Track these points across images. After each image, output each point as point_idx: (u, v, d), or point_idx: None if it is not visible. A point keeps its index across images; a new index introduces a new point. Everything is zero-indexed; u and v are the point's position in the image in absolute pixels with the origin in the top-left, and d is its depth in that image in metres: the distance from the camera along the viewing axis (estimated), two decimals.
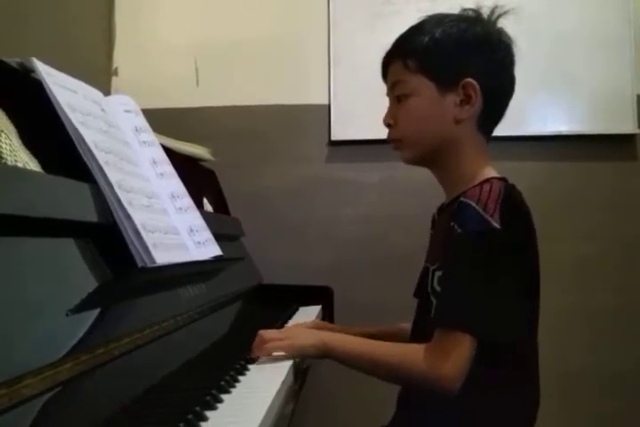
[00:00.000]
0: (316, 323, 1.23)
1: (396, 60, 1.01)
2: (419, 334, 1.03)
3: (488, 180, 0.94)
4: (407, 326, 1.12)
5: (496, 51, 0.99)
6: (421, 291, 1.03)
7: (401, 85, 1.01)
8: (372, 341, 0.96)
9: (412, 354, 0.89)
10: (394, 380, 0.97)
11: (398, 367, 0.90)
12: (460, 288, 0.89)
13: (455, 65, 0.97)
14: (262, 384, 0.78)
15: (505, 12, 1.02)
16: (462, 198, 0.91)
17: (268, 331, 0.97)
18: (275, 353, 0.93)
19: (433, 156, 1.02)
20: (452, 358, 0.85)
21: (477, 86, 0.96)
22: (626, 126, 2.01)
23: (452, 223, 0.91)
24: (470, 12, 1.03)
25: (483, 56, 0.98)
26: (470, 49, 0.98)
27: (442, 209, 1.08)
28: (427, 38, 0.98)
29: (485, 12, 1.02)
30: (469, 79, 0.96)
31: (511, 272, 0.89)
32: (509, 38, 1.01)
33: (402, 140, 1.03)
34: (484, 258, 0.88)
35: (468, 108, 0.97)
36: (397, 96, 1.02)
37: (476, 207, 0.88)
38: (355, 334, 1.02)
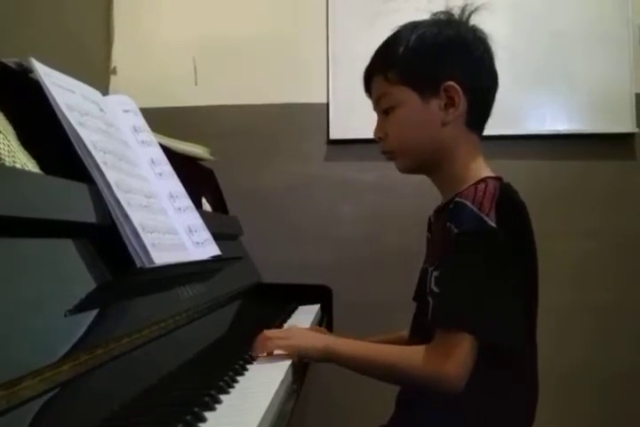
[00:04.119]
0: (316, 328, 1.23)
1: (377, 75, 1.02)
2: (417, 335, 1.03)
3: (483, 179, 0.94)
4: (406, 333, 1.13)
5: (473, 49, 0.99)
6: (420, 293, 1.03)
7: (385, 99, 1.01)
8: (373, 344, 0.96)
9: (413, 355, 0.89)
10: (397, 382, 0.98)
11: (400, 370, 0.90)
12: (458, 288, 0.89)
13: (433, 70, 0.97)
14: (261, 385, 0.78)
15: (475, 9, 1.02)
16: (457, 198, 0.91)
17: (272, 330, 0.98)
18: (276, 352, 0.93)
19: (427, 162, 1.02)
20: (454, 358, 0.85)
21: (458, 88, 0.96)
22: (624, 125, 2.02)
23: (448, 224, 0.91)
24: (441, 15, 1.03)
25: (459, 57, 0.98)
26: (446, 52, 0.98)
27: (438, 211, 1.07)
28: (402, 48, 0.98)
29: (456, 13, 1.02)
30: (449, 82, 0.96)
31: (509, 271, 0.89)
32: (484, 34, 1.01)
33: (395, 152, 1.03)
34: (481, 257, 0.88)
35: (453, 110, 0.97)
36: (384, 109, 1.02)
37: (472, 207, 0.88)
38: None
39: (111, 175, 0.79)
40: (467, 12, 1.02)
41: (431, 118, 0.98)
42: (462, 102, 0.97)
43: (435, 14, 1.03)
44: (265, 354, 0.93)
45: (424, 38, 0.98)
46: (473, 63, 0.99)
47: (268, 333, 0.95)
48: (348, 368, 0.94)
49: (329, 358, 0.93)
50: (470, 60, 0.99)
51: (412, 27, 1.00)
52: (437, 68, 0.97)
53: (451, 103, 0.97)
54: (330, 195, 2.11)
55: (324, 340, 0.96)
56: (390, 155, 1.04)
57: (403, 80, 0.98)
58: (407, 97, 0.98)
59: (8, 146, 0.70)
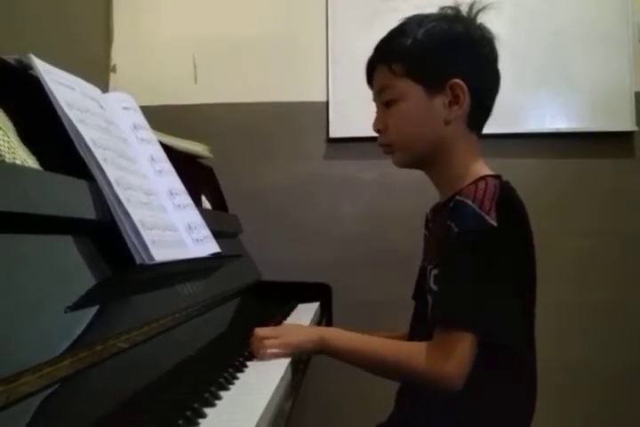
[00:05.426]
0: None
1: (381, 66, 1.01)
2: (416, 333, 1.03)
3: (483, 177, 0.93)
4: (406, 332, 1.12)
5: (480, 48, 0.98)
6: (420, 292, 1.03)
7: (388, 91, 1.00)
8: (370, 337, 0.96)
9: (412, 352, 0.88)
10: (392, 377, 0.97)
11: (398, 365, 0.89)
12: (458, 287, 0.89)
13: (441, 66, 0.97)
14: (261, 381, 0.78)
15: (484, 8, 1.01)
16: (458, 197, 0.91)
17: (263, 329, 0.96)
18: (271, 351, 0.91)
19: (425, 158, 1.01)
20: (454, 357, 0.85)
21: (465, 86, 0.95)
22: (624, 124, 2.02)
23: (448, 222, 0.90)
24: (449, 11, 1.02)
25: (467, 54, 0.98)
26: (454, 48, 0.97)
27: (436, 208, 1.07)
28: (410, 41, 0.97)
29: (464, 9, 1.01)
30: (456, 79, 0.95)
31: (509, 270, 0.89)
32: (491, 34, 1.01)
33: (393, 145, 1.02)
34: (481, 256, 0.88)
35: (457, 108, 0.97)
36: (385, 101, 1.01)
37: (473, 205, 0.88)
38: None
39: (111, 172, 0.79)
40: (474, 10, 1.01)
41: (434, 115, 0.97)
42: (466, 101, 0.96)
43: (442, 9, 1.02)
44: (261, 356, 0.91)
45: (433, 33, 0.97)
46: (479, 62, 0.98)
47: (260, 332, 0.93)
48: (342, 360, 0.93)
49: (323, 349, 0.92)
50: (477, 59, 0.98)
51: (419, 20, 0.99)
52: (445, 64, 0.97)
53: (455, 101, 0.96)
54: (330, 193, 2.11)
55: (317, 331, 0.95)
56: (388, 148, 1.03)
57: (408, 73, 0.97)
58: (411, 90, 0.97)
59: (8, 142, 0.70)
